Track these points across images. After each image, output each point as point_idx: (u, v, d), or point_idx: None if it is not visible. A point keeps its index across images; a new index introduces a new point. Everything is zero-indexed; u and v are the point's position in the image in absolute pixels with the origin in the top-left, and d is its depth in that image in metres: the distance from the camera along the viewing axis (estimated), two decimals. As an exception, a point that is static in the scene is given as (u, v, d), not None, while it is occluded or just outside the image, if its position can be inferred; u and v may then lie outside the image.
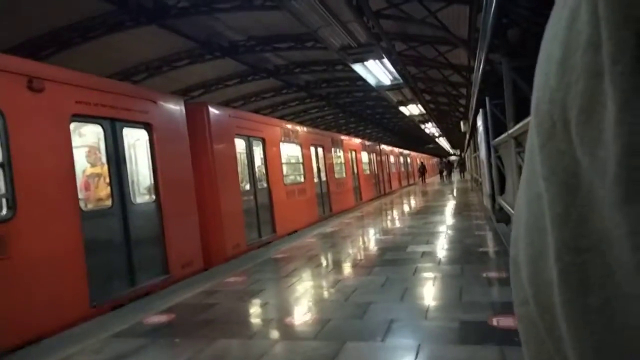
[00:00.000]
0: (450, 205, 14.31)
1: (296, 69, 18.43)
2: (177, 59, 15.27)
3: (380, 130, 46.11)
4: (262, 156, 10.19)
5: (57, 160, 4.95)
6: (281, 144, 11.21)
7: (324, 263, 6.66)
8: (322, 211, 13.76)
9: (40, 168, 4.74)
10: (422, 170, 33.95)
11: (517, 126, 4.26)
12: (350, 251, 7.70)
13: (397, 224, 10.51)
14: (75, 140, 5.40)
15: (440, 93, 21.33)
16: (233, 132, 8.96)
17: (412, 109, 19.85)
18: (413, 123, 30.12)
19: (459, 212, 12.07)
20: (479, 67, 6.54)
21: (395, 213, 13.65)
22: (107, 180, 5.80)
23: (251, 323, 4.06)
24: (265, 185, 10.16)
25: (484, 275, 4.92)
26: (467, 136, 22.17)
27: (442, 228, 8.98)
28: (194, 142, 7.39)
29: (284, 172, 11.30)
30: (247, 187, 9.52)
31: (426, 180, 34.25)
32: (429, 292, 4.56)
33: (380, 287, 4.88)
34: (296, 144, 12.45)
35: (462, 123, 21.90)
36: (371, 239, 8.71)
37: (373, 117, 36.16)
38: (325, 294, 4.91)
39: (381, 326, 3.60)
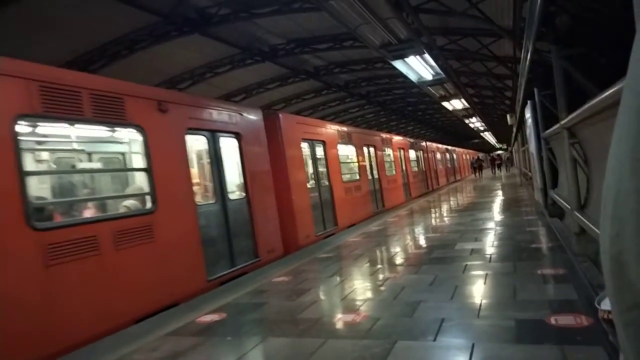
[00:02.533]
0: (498, 201, 13.89)
1: (335, 69, 18.44)
2: (219, 65, 15.65)
3: (422, 127, 45.36)
4: (323, 157, 11.17)
5: (179, 165, 6.18)
6: (338, 145, 12.10)
7: (371, 262, 6.62)
8: (376, 206, 14.54)
9: (169, 171, 5.95)
10: (479, 165, 34.85)
11: (571, 116, 4.07)
12: (397, 249, 7.62)
13: (445, 221, 10.31)
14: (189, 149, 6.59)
15: (484, 86, 20.72)
16: (300, 137, 10.04)
17: (456, 104, 19.43)
18: (457, 118, 29.47)
19: (508, 207, 11.70)
20: (526, 57, 6.30)
21: (442, 210, 13.39)
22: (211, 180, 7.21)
23: (300, 322, 4.09)
24: (327, 183, 11.19)
25: (539, 272, 4.74)
26: (514, 129, 21.42)
27: (492, 224, 8.73)
28: (270, 147, 8.56)
29: (342, 171, 12.20)
30: (313, 185, 10.49)
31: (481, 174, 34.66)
32: (481, 290, 4.44)
33: (429, 285, 4.80)
34: (351, 144, 13.25)
35: (508, 116, 21.19)
36: (418, 237, 8.59)
37: (415, 113, 35.63)
38: (373, 292, 4.88)
39: (432, 325, 3.54)
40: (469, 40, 13.03)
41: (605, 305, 0.37)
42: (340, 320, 4.00)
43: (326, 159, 11.22)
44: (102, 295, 4.75)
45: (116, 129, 5.77)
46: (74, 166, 6.38)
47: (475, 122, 31.11)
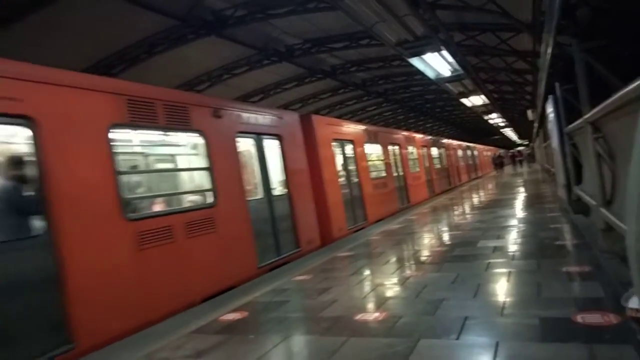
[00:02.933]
0: (520, 198, 13.68)
1: (352, 67, 18.42)
2: (236, 67, 15.79)
3: (441, 124, 44.96)
4: (352, 155, 11.71)
5: (233, 164, 6.99)
6: (366, 144, 12.63)
7: (392, 260, 6.59)
8: (402, 202, 14.99)
9: (225, 170, 6.75)
10: (500, 161, 35.31)
11: (594, 110, 3.98)
12: (419, 247, 7.58)
13: (466, 218, 10.20)
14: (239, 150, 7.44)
15: (503, 82, 20.44)
16: (331, 137, 10.66)
17: (475, 100, 19.20)
18: (476, 114, 29.11)
19: (530, 204, 11.52)
20: (547, 51, 6.19)
21: (464, 207, 13.25)
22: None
23: (322, 320, 4.10)
24: (356, 180, 11.71)
25: (564, 270, 4.66)
26: (536, 125, 21.06)
27: (514, 221, 8.60)
28: (305, 147, 9.32)
29: (370, 168, 12.80)
30: (344, 182, 11.05)
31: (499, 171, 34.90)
32: (504, 288, 4.38)
33: (451, 283, 4.75)
34: (377, 143, 13.78)
35: (529, 111, 20.87)
36: (440, 234, 8.52)
37: (433, 110, 35.33)
38: (395, 290, 4.86)
39: (455, 323, 3.51)
40: (487, 35, 12.87)
41: (633, 303, 0.36)
42: (362, 318, 4.00)
43: (355, 157, 11.80)
44: (178, 277, 5.54)
45: (183, 134, 6.50)
46: (152, 167, 7.13)
47: (495, 118, 30.70)
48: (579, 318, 3.25)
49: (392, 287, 5.01)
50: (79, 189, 4.61)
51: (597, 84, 4.69)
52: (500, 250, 6.16)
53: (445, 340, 3.23)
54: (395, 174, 14.87)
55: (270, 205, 7.85)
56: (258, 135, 7.85)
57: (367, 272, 5.96)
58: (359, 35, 13.84)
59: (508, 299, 3.98)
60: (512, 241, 6.73)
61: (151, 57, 13.08)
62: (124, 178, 5.34)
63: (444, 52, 9.60)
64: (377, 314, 4.03)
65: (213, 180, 6.42)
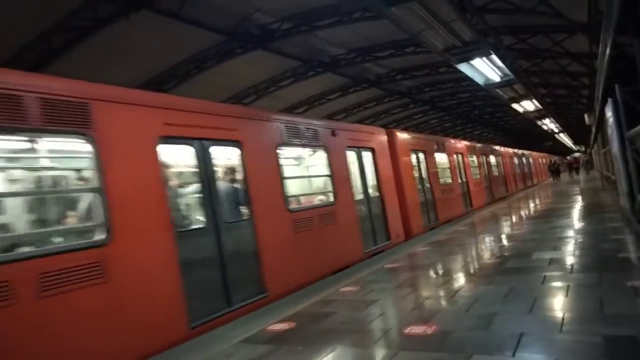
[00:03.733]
0: (578, 206, 13.00)
1: (397, 75, 18.28)
2: (282, 79, 16.06)
3: (490, 130, 43.67)
4: (425, 163, 13.09)
5: (345, 171, 8.97)
6: (435, 153, 14.07)
7: (440, 272, 6.42)
8: (466, 206, 16.25)
9: (340, 176, 8.76)
10: (556, 169, 35.34)
11: (661, 113, 3.73)
12: (469, 258, 7.34)
13: (520, 228, 9.79)
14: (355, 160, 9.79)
15: (557, 85, 19.61)
16: (409, 148, 12.34)
17: (527, 105, 18.53)
18: (528, 120, 28.06)
19: (589, 213, 10.91)
20: (605, 52, 5.87)
21: (518, 215, 12.75)
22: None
23: (370, 332, 4.03)
24: (428, 185, 13.07)
25: (629, 284, 4.35)
26: (593, 129, 20.02)
27: (571, 232, 8.17)
28: (390, 157, 11.08)
29: (439, 175, 14.10)
30: (419, 186, 12.48)
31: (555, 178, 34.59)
32: (563, 303, 4.15)
33: (504, 297, 4.55)
34: (444, 153, 15.17)
35: (586, 116, 19.88)
36: (491, 245, 8.21)
37: (482, 117, 34.39)
38: (444, 304, 4.72)
39: (510, 339, 3.35)
40: (540, 37, 12.41)
41: None
42: (410, 331, 3.90)
43: (427, 166, 13.14)
44: (318, 254, 7.49)
45: (314, 149, 8.62)
46: (298, 174, 9.12)
47: (548, 124, 29.46)
48: (648, 337, 3.01)
49: (441, 300, 4.86)
50: (264, 189, 6.65)
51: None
52: (557, 262, 5.85)
53: (500, 357, 3.09)
54: (459, 181, 16.14)
55: (368, 205, 9.65)
56: (358, 149, 9.74)
57: (415, 284, 5.82)
58: (404, 43, 13.72)
59: (567, 315, 3.76)
60: (570, 253, 6.38)
61: (201, 72, 13.54)
62: (286, 182, 7.27)
63: (493, 57, 9.34)
64: (426, 328, 3.92)
65: (333, 184, 8.43)
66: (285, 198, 7.07)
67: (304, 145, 8.17)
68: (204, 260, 5.46)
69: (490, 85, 12.56)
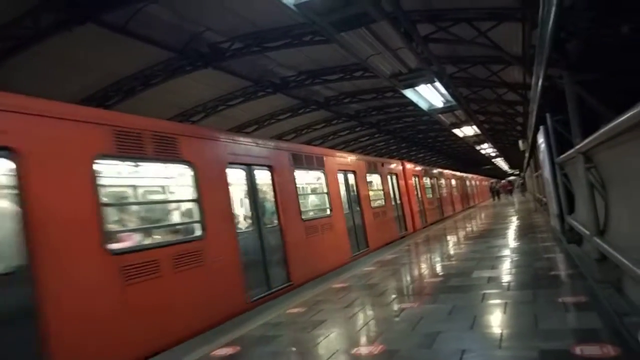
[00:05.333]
0: (513, 227, 13.69)
1: (346, 99, 18.67)
2: (231, 98, 15.96)
3: (433, 154, 45.35)
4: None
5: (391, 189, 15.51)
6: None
7: (386, 291, 6.51)
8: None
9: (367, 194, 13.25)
10: (497, 190, 40.25)
11: (586, 141, 4.04)
12: (413, 278, 7.51)
13: (460, 248, 10.16)
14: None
15: (494, 112, 20.79)
16: (411, 174, 18.12)
17: (467, 130, 19.47)
18: (467, 145, 29.43)
19: (524, 233, 11.52)
20: (537, 83, 6.32)
21: (458, 236, 13.23)
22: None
23: (318, 354, 4.01)
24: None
25: (560, 300, 4.62)
26: (527, 155, 21.30)
27: (507, 251, 8.58)
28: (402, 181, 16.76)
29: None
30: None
31: (496, 199, 38.59)
32: (501, 320, 4.33)
33: (447, 315, 4.69)
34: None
35: (520, 142, 21.13)
36: (434, 265, 8.46)
37: (425, 141, 35.72)
38: (390, 323, 4.78)
39: (453, 356, 3.45)
40: (479, 67, 13.16)
41: None
42: (357, 352, 3.92)
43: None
44: (321, 254, 9.50)
45: (377, 177, 13.35)
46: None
47: (486, 148, 31.04)
48: (578, 350, 3.20)
49: (387, 320, 4.92)
50: (289, 207, 8.55)
51: (589, 115, 4.79)
52: (495, 280, 6.12)
53: (443, 374, 3.16)
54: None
55: (396, 209, 15.67)
56: (391, 175, 15.80)
57: (361, 304, 5.87)
58: (353, 68, 14.10)
59: (505, 331, 3.93)
60: (507, 271, 6.70)
61: (147, 89, 13.20)
62: (301, 198, 9.41)
63: (437, 84, 9.79)
64: (372, 348, 3.95)
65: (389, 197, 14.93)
66: (300, 209, 9.04)
67: (379, 173, 14.51)
68: (254, 253, 7.38)
69: (434, 111, 13.12)
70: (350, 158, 12.47)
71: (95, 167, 4.83)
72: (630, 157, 3.42)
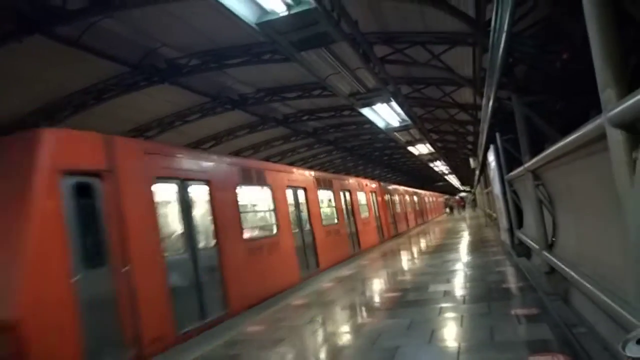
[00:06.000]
0: (466, 242, 14.13)
1: (304, 116, 18.81)
2: (188, 114, 15.71)
3: (389, 171, 46.26)
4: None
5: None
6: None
7: (345, 307, 6.54)
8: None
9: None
10: (451, 205, 46.11)
11: (534, 160, 4.29)
12: (372, 293, 7.58)
13: (415, 263, 10.37)
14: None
15: (447, 131, 21.54)
16: (384, 192, 21.74)
17: (421, 149, 20.06)
18: (421, 162, 30.27)
19: (476, 248, 11.91)
20: (488, 104, 6.65)
21: (412, 252, 13.49)
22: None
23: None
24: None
25: (513, 312, 4.80)
26: (477, 172, 22.16)
27: (461, 266, 8.85)
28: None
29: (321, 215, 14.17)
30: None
31: (449, 214, 43.08)
32: (458, 333, 4.45)
33: (406, 329, 4.77)
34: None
35: (471, 160, 21.97)
36: (391, 280, 8.58)
37: (381, 158, 36.42)
38: (350, 339, 4.80)
39: (413, 370, 3.50)
40: (432, 88, 13.65)
41: (632, 351, 0.40)
42: (319, 369, 3.91)
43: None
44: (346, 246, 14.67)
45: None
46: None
47: (439, 166, 32.05)
48: (532, 360, 3.34)
49: (347, 336, 4.94)
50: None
51: (536, 135, 5.08)
52: (451, 294, 6.28)
53: (405, 389, 3.20)
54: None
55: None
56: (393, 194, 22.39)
57: (321, 321, 5.86)
58: (312, 86, 14.26)
59: (463, 344, 4.03)
60: (461, 285, 6.90)
61: (100, 103, 12.77)
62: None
63: (393, 103, 10.09)
64: (335, 364, 3.95)
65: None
66: (321, 217, 13.01)
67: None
68: (303, 245, 11.18)
69: (390, 129, 13.46)
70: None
71: (237, 190, 8.62)
72: (575, 175, 3.66)
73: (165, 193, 6.65)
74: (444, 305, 5.65)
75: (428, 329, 4.63)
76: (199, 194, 7.41)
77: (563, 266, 4.10)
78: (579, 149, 2.78)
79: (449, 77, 11.62)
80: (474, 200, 43.66)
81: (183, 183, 6.93)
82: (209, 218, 7.52)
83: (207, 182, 7.51)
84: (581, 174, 3.46)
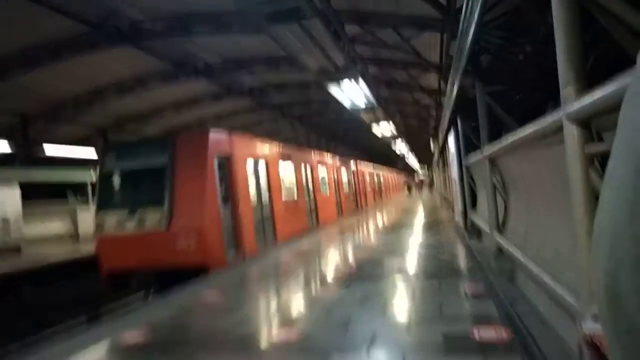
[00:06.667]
0: (421, 222, 14.61)
1: (271, 90, 18.62)
2: (150, 79, 15.21)
3: (352, 148, 46.68)
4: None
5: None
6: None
7: (302, 278, 6.71)
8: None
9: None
10: (410, 185, 48.91)
11: (492, 147, 4.50)
12: (328, 266, 7.79)
13: (372, 240, 10.68)
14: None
15: (410, 115, 21.92)
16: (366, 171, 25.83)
17: (384, 129, 20.31)
18: (384, 142, 30.72)
19: (431, 228, 12.34)
20: (452, 90, 6.85)
21: (369, 229, 13.84)
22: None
23: (232, 340, 4.07)
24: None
25: (462, 289, 5.10)
26: (436, 155, 22.75)
27: (416, 244, 9.18)
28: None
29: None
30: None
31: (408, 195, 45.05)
32: (410, 307, 4.69)
33: (360, 302, 4.97)
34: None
35: (431, 143, 22.50)
36: (348, 254, 8.82)
37: (345, 136, 36.67)
38: (306, 309, 4.96)
39: (365, 340, 3.69)
40: (399, 71, 13.82)
41: (588, 326, 0.46)
42: (274, 336, 4.04)
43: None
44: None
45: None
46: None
47: (401, 147, 32.59)
48: (476, 333, 3.59)
49: (302, 306, 5.10)
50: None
51: (495, 123, 5.31)
52: (404, 270, 6.56)
53: (356, 356, 3.39)
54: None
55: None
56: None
57: (278, 291, 6.00)
58: (280, 60, 14.11)
59: (413, 317, 4.27)
60: (416, 262, 7.20)
61: (57, 61, 12.17)
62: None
63: (361, 83, 10.14)
64: (288, 333, 4.09)
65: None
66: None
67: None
68: (310, 207, 14.61)
69: (356, 109, 13.55)
70: (311, 153, 16.80)
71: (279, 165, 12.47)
72: (529, 164, 3.89)
73: (250, 166, 10.75)
74: (397, 280, 5.91)
75: (381, 302, 4.86)
76: (262, 167, 11.52)
77: (510, 248, 4.38)
78: (535, 140, 2.96)
79: (416, 61, 11.79)
80: (431, 182, 45.07)
81: (256, 160, 11.19)
82: (266, 181, 11.63)
83: (265, 159, 11.62)
84: (535, 164, 3.69)
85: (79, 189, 19.79)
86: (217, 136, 9.45)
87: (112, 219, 8.83)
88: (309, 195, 15.48)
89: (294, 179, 13.90)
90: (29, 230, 15.74)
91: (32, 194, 16.14)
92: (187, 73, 14.89)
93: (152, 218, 8.51)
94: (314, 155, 16.92)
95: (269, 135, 28.81)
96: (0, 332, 9.15)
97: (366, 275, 6.44)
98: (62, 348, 4.24)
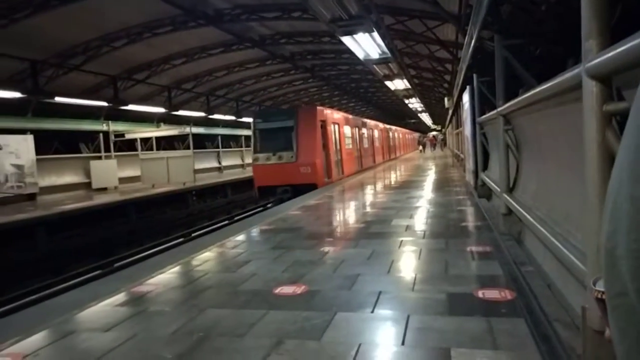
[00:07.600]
0: (432, 180, 14.50)
1: (282, 39, 18.09)
2: (159, 25, 14.83)
3: (363, 104, 45.93)
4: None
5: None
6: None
7: (311, 235, 6.72)
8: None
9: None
10: (424, 143, 49.42)
11: (508, 104, 4.31)
12: (337, 223, 7.79)
13: (382, 197, 10.64)
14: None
15: (425, 68, 21.27)
16: (347, 123, 22.63)
17: (398, 84, 19.79)
18: (397, 98, 30.09)
19: (440, 187, 12.26)
20: (470, 43, 6.52)
21: (381, 186, 13.79)
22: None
23: (240, 293, 4.10)
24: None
25: (468, 249, 5.06)
26: (450, 112, 22.28)
27: (425, 202, 9.13)
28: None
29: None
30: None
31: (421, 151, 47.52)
32: (415, 265, 4.68)
33: (367, 259, 4.97)
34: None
35: (445, 99, 21.96)
36: (356, 212, 8.81)
37: (357, 90, 35.96)
38: (313, 266, 4.97)
39: (370, 298, 3.69)
40: (415, 21, 13.25)
41: (600, 286, 0.44)
42: (281, 292, 4.06)
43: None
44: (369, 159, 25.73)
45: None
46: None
47: (414, 103, 31.93)
48: (480, 294, 3.57)
49: (310, 262, 5.11)
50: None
51: (512, 79, 5.07)
52: (413, 229, 6.53)
53: (361, 314, 3.39)
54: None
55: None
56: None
57: (286, 247, 6.02)
58: (292, 7, 13.60)
59: (419, 275, 4.25)
60: (423, 221, 7.16)
61: (64, 4, 11.84)
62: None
63: (375, 34, 9.73)
64: (296, 288, 4.11)
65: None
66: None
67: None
68: (358, 155, 21.78)
69: (369, 61, 13.12)
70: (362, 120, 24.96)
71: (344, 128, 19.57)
72: (545, 122, 3.71)
73: (333, 128, 17.28)
74: (405, 238, 5.88)
75: (388, 260, 4.84)
76: (337, 128, 17.95)
77: (520, 209, 4.28)
78: (553, 97, 2.79)
79: (434, 11, 11.27)
80: (444, 140, 44.58)
81: (334, 124, 17.63)
82: (339, 137, 18.12)
83: (337, 124, 18.03)
84: (551, 122, 3.51)
85: (90, 139, 19.96)
86: (319, 109, 16.43)
87: (262, 156, 15.46)
88: (356, 148, 21.78)
89: (350, 136, 20.48)
90: (42, 179, 16.02)
91: (44, 143, 16.30)
92: (196, 19, 14.46)
93: (287, 156, 15.16)
94: (358, 120, 23.47)
95: (279, 87, 28.40)
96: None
97: (373, 233, 6.48)
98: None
